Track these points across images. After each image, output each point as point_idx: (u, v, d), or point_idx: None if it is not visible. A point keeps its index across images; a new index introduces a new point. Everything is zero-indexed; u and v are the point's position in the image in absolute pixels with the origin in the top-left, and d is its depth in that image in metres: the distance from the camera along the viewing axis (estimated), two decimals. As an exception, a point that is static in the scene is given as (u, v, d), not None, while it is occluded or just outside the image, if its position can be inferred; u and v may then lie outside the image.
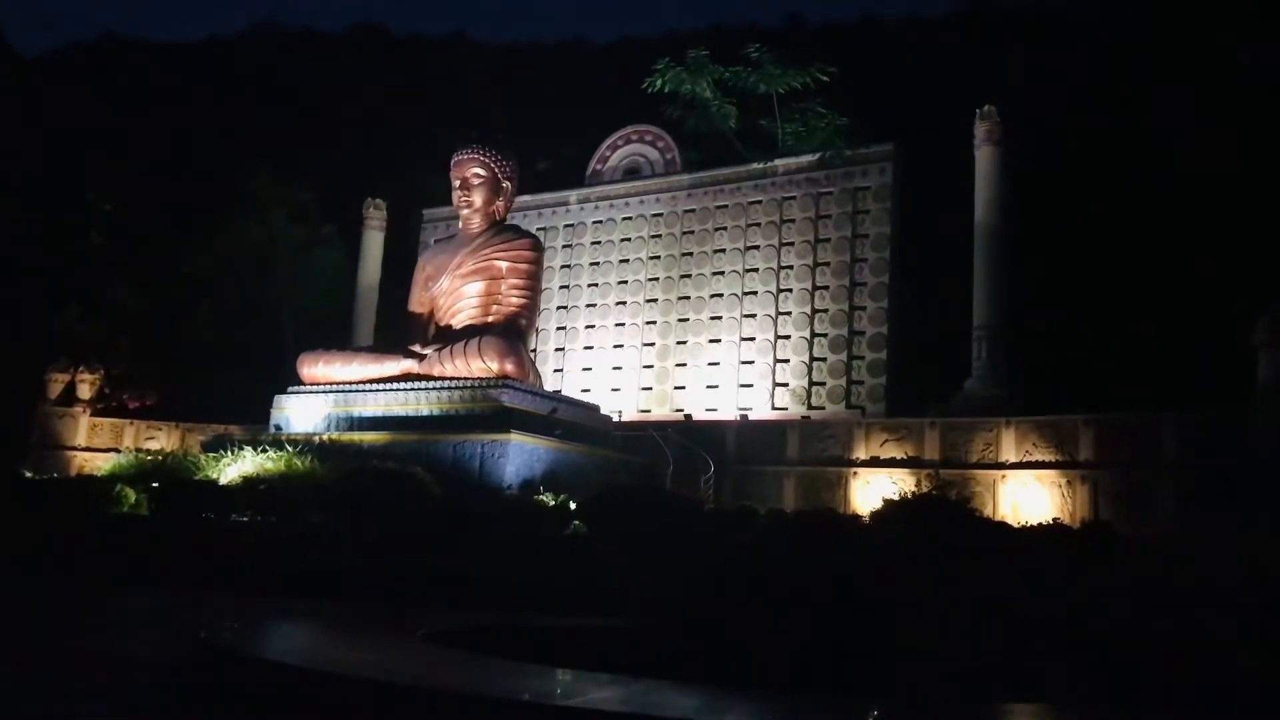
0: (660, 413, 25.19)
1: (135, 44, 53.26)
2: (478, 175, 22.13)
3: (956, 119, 23.43)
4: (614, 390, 26.25)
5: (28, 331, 28.28)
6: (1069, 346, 22.78)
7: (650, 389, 26.02)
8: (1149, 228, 23.29)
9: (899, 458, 20.37)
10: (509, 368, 19.56)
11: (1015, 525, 15.82)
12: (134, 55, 49.95)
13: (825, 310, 24.26)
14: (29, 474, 22.46)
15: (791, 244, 25.11)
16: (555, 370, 27.17)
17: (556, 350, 27.66)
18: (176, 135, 36.99)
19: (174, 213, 32.07)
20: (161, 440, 25.30)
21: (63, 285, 29.74)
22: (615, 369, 26.64)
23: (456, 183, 22.28)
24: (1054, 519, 16.49)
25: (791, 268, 24.94)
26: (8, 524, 17.23)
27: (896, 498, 14.53)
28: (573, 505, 16.40)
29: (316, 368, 21.27)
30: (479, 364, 19.57)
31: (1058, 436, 19.22)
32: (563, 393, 23.48)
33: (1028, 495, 19.10)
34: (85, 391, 26.40)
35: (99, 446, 25.45)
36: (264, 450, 18.27)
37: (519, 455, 17.83)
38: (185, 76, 43.77)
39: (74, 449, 25.58)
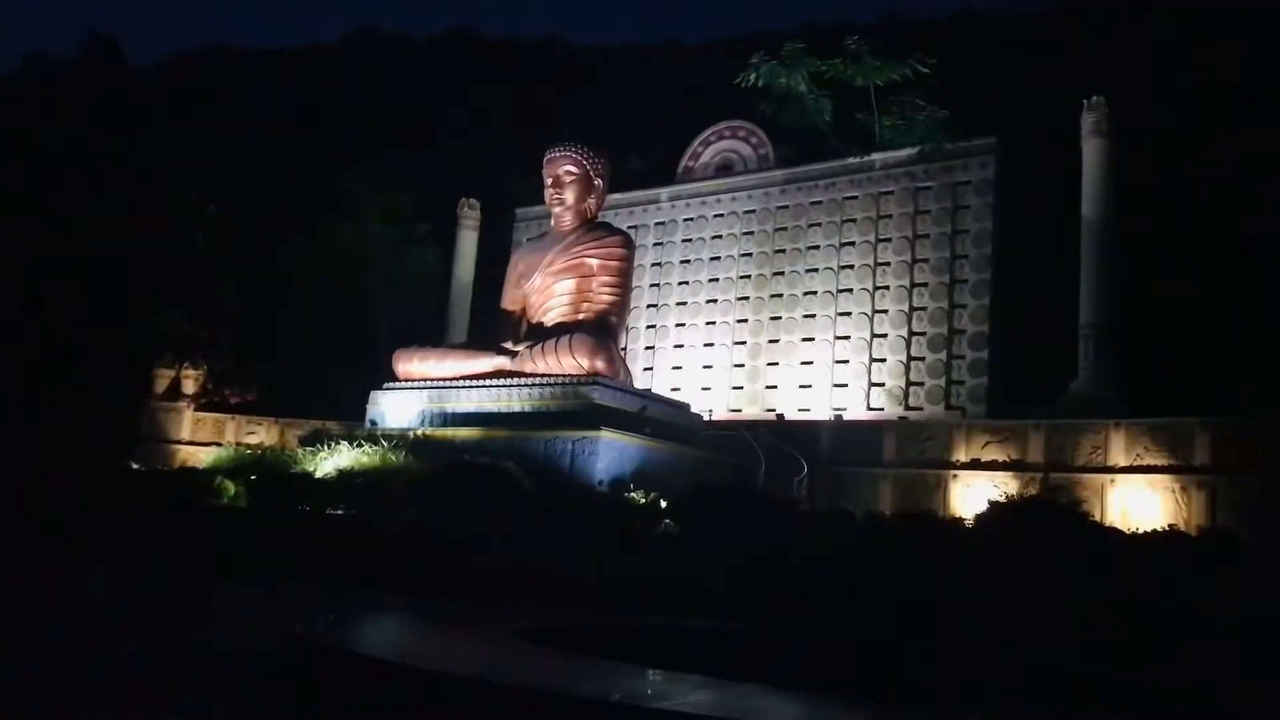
0: (752, 412, 24.78)
1: (239, 52, 54.96)
2: (569, 173, 22.05)
3: (1061, 111, 22.54)
4: (704, 389, 25.95)
5: (136, 329, 29.19)
6: (1182, 345, 21.73)
7: (741, 388, 25.65)
8: (1271, 218, 22.09)
9: (1001, 460, 19.65)
10: (599, 365, 19.41)
11: (1127, 532, 15.04)
12: (238, 63, 51.55)
13: (924, 308, 23.55)
14: (136, 466, 23.16)
15: (889, 240, 24.44)
16: (645, 369, 26.97)
17: (647, 349, 27.45)
18: (277, 139, 37.95)
19: (275, 215, 32.81)
20: (261, 435, 25.85)
21: (168, 285, 30.64)
22: (706, 368, 26.34)
23: (548, 180, 22.24)
24: (1169, 525, 15.63)
25: (889, 265, 24.29)
26: (116, 514, 17.78)
27: (1002, 500, 13.93)
28: (663, 504, 16.16)
29: (411, 364, 21.42)
30: (570, 361, 19.46)
31: (1171, 440, 18.27)
32: (653, 391, 23.24)
33: (1138, 501, 18.21)
34: (189, 387, 27.14)
35: (201, 440, 26.11)
36: (359, 445, 18.42)
37: (609, 453, 17.65)
38: (287, 82, 44.95)
39: (178, 443, 26.30)
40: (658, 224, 28.24)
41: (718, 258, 26.99)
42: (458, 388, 20.22)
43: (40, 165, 32.31)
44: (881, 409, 23.37)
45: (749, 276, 26.33)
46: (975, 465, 19.90)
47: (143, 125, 35.66)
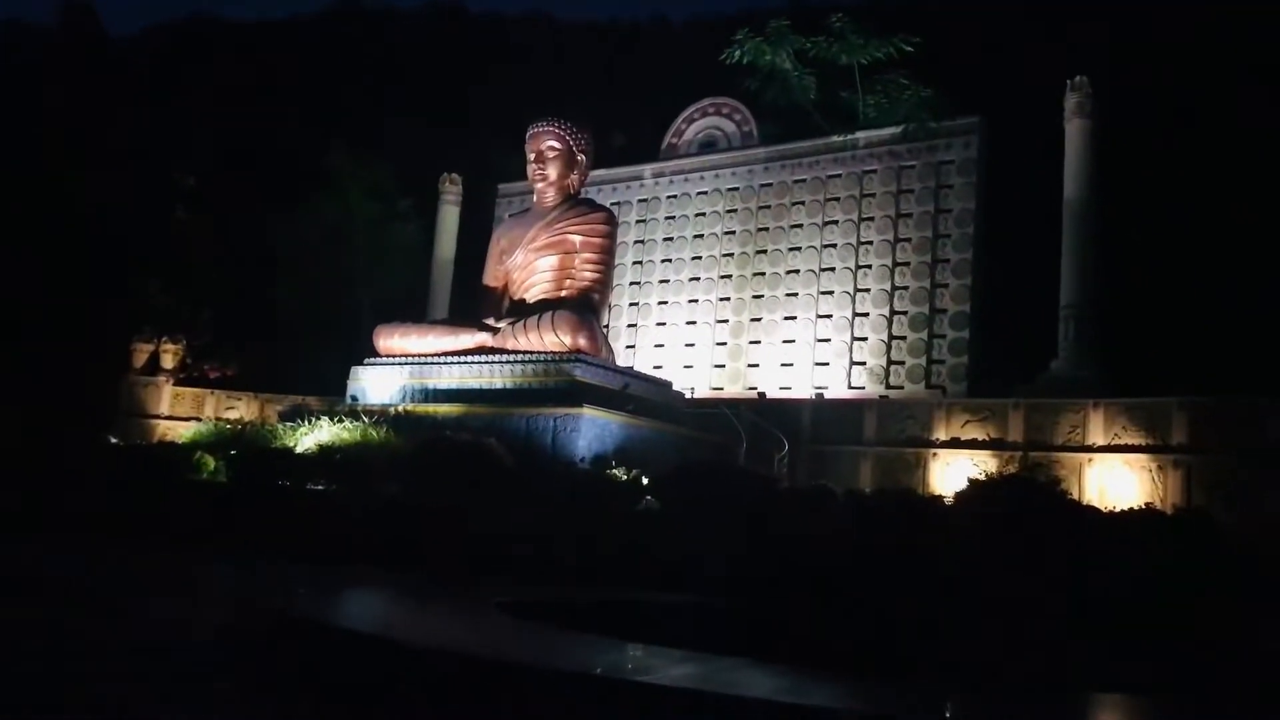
0: (733, 390, 24.81)
1: (220, 23, 54.19)
2: (552, 148, 21.90)
3: (1045, 91, 22.56)
4: (686, 367, 25.95)
5: (115, 303, 28.93)
6: (1162, 327, 21.87)
7: (723, 366, 25.66)
8: (1253, 200, 22.21)
9: (981, 439, 19.78)
10: (582, 342, 19.36)
11: (1104, 510, 15.18)
12: (218, 34, 50.87)
13: (905, 287, 23.60)
14: (115, 440, 23.01)
15: (871, 219, 24.46)
16: (628, 346, 26.94)
17: (629, 326, 27.41)
18: (258, 113, 37.50)
19: (256, 189, 32.50)
20: (241, 410, 25.75)
21: (149, 258, 30.34)
22: (688, 346, 26.33)
23: (531, 156, 22.09)
24: (1146, 504, 15.78)
25: (871, 243, 24.31)
26: (95, 489, 17.66)
27: (982, 478, 14.01)
28: (645, 480, 16.16)
29: (392, 340, 21.30)
30: (552, 338, 19.40)
31: (1149, 419, 18.44)
32: (635, 369, 23.21)
33: (1115, 479, 18.40)
34: (168, 362, 26.97)
35: (181, 415, 25.98)
36: (340, 420, 18.32)
37: (591, 430, 17.63)
38: (268, 55, 44.38)
39: (157, 417, 26.15)
40: (641, 201, 28.12)
41: (701, 235, 26.93)
42: (439, 364, 20.13)
43: (14, 134, 31.87)
44: (863, 387, 23.45)
45: (732, 254, 26.28)
46: (955, 444, 20.00)
47: (121, 95, 35.16)
